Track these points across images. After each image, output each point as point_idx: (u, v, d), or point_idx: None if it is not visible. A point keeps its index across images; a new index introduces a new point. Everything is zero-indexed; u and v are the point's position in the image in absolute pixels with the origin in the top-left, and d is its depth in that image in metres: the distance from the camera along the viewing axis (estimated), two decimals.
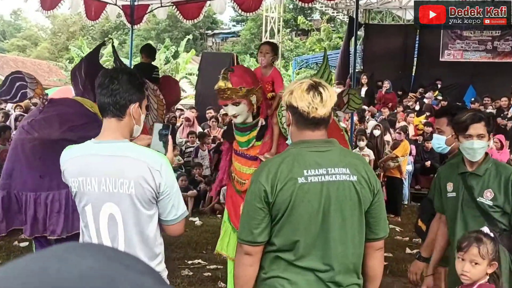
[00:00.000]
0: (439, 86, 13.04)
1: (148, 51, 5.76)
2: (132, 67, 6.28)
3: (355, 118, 8.62)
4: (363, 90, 11.80)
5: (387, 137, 8.77)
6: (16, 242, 5.51)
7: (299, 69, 22.06)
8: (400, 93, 12.74)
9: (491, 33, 12.38)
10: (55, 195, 3.27)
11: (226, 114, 10.47)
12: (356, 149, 7.75)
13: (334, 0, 11.57)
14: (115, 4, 7.54)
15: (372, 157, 7.97)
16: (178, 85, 5.14)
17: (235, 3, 6.80)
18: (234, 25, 47.40)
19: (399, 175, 8.03)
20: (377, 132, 8.45)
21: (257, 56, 4.04)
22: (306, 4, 6.27)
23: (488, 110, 9.76)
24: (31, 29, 39.15)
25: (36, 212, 3.32)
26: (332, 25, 28.17)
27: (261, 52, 3.95)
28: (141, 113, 1.99)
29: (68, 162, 1.94)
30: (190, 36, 31.10)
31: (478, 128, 2.58)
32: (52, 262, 0.41)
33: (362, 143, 7.93)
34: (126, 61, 8.79)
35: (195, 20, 7.55)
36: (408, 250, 5.90)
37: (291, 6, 32.57)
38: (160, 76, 5.71)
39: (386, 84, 12.01)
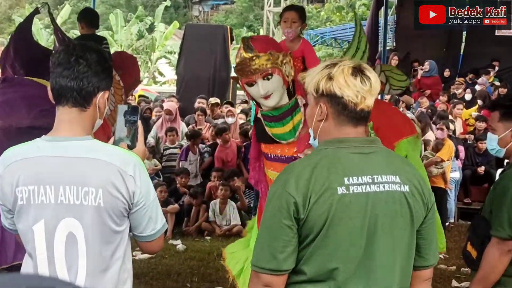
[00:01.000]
0: (496, 68, 13.08)
1: (89, 19, 5.58)
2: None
3: None
4: None
5: (428, 135, 8.79)
6: None
7: (312, 45, 22.15)
8: (445, 76, 12.79)
9: None
10: None
11: (216, 105, 10.53)
12: None
13: None
14: None
15: None
16: (136, 62, 5.08)
17: None
18: None
19: (443, 184, 8.03)
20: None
21: (280, 27, 4.05)
22: None
23: None
24: None
25: None
26: None
27: (285, 21, 3.93)
28: (106, 104, 2.02)
29: (11, 167, 1.91)
30: (168, 3, 31.07)
31: None
32: None
33: None
34: None
35: None
36: (455, 283, 5.92)
37: None
38: (110, 51, 5.62)
39: (426, 66, 12.06)
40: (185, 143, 8.91)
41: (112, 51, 27.50)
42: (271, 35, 12.11)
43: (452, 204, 8.61)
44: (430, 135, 8.77)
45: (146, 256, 6.14)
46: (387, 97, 9.40)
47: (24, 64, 4.13)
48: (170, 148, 8.86)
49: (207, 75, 12.40)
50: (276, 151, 3.67)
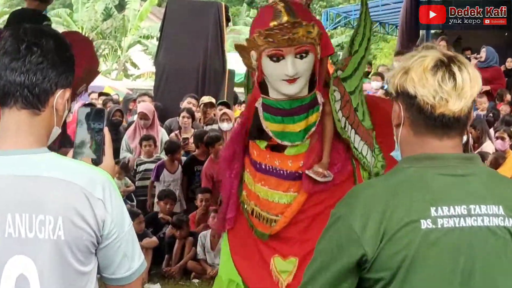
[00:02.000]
0: None
1: None
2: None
3: None
4: None
5: (486, 146, 8.79)
6: None
7: (332, 28, 22.18)
8: (508, 68, 12.78)
9: None
10: None
11: (211, 105, 10.46)
12: None
13: None
14: None
15: None
16: (91, 46, 5.09)
17: None
18: None
19: None
20: (464, 138, 8.47)
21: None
22: None
23: None
24: None
25: None
26: None
27: None
28: (66, 106, 2.03)
29: None
30: None
31: None
32: None
33: None
34: None
35: None
36: None
37: None
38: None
39: (482, 54, 12.05)
40: (161, 157, 8.87)
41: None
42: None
43: None
44: (489, 146, 8.77)
45: None
46: None
47: None
48: (145, 162, 8.84)
49: (195, 66, 12.35)
50: (275, 161, 3.71)
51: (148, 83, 21.79)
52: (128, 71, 29.28)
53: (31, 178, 1.89)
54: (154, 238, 7.73)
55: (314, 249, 1.91)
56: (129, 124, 9.96)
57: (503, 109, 10.60)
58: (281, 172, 3.64)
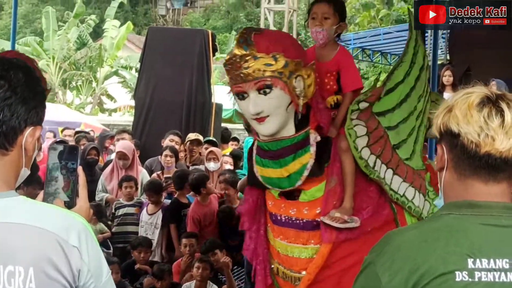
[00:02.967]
0: None
1: None
2: None
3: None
4: (446, 96, 11.98)
5: None
6: None
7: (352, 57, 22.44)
8: None
9: None
10: None
11: (198, 143, 10.43)
12: None
13: None
14: None
15: None
16: (35, 65, 5.08)
17: None
18: None
19: None
20: None
21: (307, 26, 4.01)
22: None
23: None
24: None
25: None
26: None
27: (313, 18, 3.91)
28: (36, 146, 2.03)
29: None
30: None
31: None
32: None
33: None
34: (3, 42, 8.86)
35: None
36: None
37: None
38: None
39: (493, 87, 12.18)
40: (145, 198, 8.85)
41: (40, 65, 27.31)
42: None
43: None
44: None
45: None
46: None
47: None
48: (125, 206, 8.76)
49: (179, 100, 12.31)
50: (290, 211, 3.62)
51: (126, 118, 21.81)
52: (103, 105, 29.27)
53: None
54: None
55: None
56: (106, 164, 9.91)
57: None
58: (298, 222, 3.56)
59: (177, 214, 8.49)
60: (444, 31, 14.97)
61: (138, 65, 14.18)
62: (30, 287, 1.85)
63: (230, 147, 12.41)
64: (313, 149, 3.51)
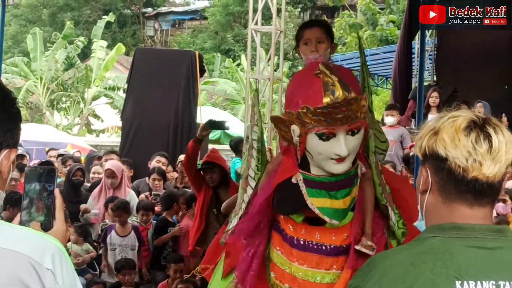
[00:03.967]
0: None
1: None
2: None
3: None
4: (431, 117, 12.01)
5: None
6: None
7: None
8: (506, 123, 12.97)
9: None
10: None
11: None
12: None
13: None
14: None
15: None
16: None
17: None
18: None
19: None
20: None
21: (299, 51, 3.97)
22: None
23: None
24: None
25: None
26: None
27: (306, 43, 3.90)
28: (11, 168, 2.02)
29: None
30: (112, 17, 31.50)
31: None
32: None
33: None
34: None
35: None
36: None
37: None
38: None
39: (480, 109, 12.24)
40: (134, 220, 8.77)
41: (27, 86, 27.16)
42: (258, 63, 12.17)
43: None
44: None
45: None
46: None
47: None
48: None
49: (166, 121, 12.32)
50: (314, 235, 3.55)
51: (114, 139, 21.74)
52: (91, 126, 29.20)
53: None
54: None
55: None
56: (92, 185, 9.87)
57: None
58: (323, 247, 3.49)
59: (164, 232, 8.45)
60: (431, 52, 15.07)
61: (126, 86, 14.12)
62: None
63: None
64: (358, 180, 3.51)
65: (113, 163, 9.71)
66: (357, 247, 3.43)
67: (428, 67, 14.94)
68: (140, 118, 12.47)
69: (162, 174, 9.78)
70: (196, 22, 44.80)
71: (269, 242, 3.78)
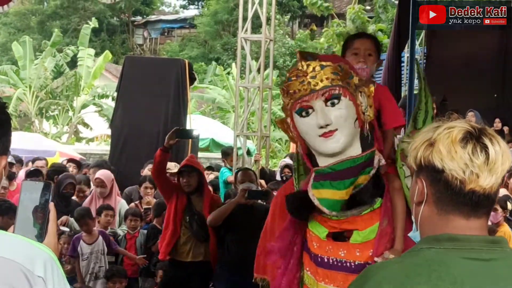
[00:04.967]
0: None
1: None
2: None
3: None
4: None
5: None
6: None
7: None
8: (496, 130, 12.98)
9: None
10: None
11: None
12: None
13: None
14: None
15: None
16: None
17: None
18: (184, 7, 48.35)
19: None
20: None
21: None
22: None
23: None
24: None
25: None
26: (369, 7, 29.01)
27: (356, 54, 3.86)
28: (3, 174, 2.03)
29: None
30: (95, 23, 31.45)
31: None
32: None
33: None
34: None
35: None
36: None
37: None
38: None
39: (472, 118, 12.27)
40: (123, 229, 8.73)
41: (17, 94, 27.11)
42: (248, 72, 12.15)
43: None
44: None
45: None
46: None
47: None
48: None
49: (155, 130, 12.28)
50: (339, 252, 3.48)
51: (103, 148, 21.71)
52: (80, 134, 29.14)
53: None
54: None
55: None
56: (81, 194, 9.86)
57: None
58: (348, 264, 3.41)
59: (155, 239, 8.42)
60: (420, 61, 15.12)
61: (115, 94, 14.10)
62: None
63: (206, 176, 12.37)
64: (373, 171, 3.39)
65: (103, 172, 9.71)
66: (376, 259, 3.35)
67: (417, 76, 14.98)
68: (129, 126, 12.47)
69: (154, 182, 9.74)
70: (185, 30, 44.84)
71: (302, 264, 3.70)
